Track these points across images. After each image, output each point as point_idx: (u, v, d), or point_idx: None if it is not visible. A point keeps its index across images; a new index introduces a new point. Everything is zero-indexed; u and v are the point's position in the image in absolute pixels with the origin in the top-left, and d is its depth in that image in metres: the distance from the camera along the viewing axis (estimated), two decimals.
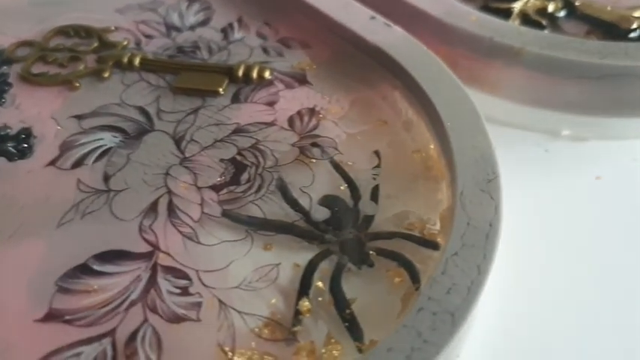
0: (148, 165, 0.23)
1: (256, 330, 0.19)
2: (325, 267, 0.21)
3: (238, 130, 0.25)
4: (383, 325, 0.19)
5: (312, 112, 0.26)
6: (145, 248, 0.21)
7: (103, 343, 0.19)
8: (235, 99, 0.26)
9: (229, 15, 0.31)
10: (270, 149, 0.24)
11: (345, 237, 0.21)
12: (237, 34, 0.29)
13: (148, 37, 0.29)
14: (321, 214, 0.22)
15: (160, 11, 0.31)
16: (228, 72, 0.27)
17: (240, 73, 0.26)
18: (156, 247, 0.21)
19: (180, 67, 0.27)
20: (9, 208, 0.22)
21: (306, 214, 0.22)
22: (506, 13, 0.29)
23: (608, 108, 0.28)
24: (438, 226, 0.22)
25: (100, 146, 0.24)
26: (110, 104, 0.26)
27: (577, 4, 0.31)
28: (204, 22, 0.30)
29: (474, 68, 0.28)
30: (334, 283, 0.20)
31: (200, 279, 0.20)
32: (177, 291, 0.20)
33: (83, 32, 0.29)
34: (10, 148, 0.24)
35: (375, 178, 0.23)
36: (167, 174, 0.23)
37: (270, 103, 0.26)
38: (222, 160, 0.23)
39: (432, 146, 0.24)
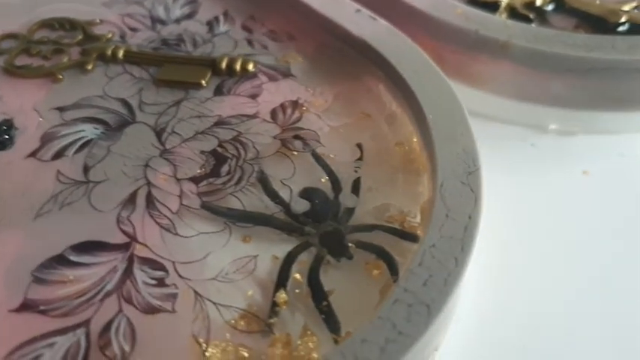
0: (128, 157, 0.23)
1: (232, 322, 0.19)
2: (304, 259, 0.21)
3: (220, 123, 0.24)
4: (361, 317, 0.19)
5: (295, 104, 0.25)
6: (122, 239, 0.21)
7: (77, 334, 0.18)
8: (218, 91, 0.26)
9: (215, 8, 0.31)
10: (251, 141, 0.24)
11: (324, 229, 0.21)
12: (222, 27, 0.29)
13: (133, 29, 0.29)
14: (301, 206, 0.22)
15: (146, 4, 0.31)
16: (212, 64, 0.27)
17: (224, 65, 0.26)
18: (133, 238, 0.21)
19: (163, 60, 0.27)
20: None
21: (285, 207, 0.22)
22: (493, 7, 0.29)
23: (595, 102, 0.28)
24: (418, 219, 0.22)
25: (81, 138, 0.24)
26: (93, 96, 0.26)
27: None
28: (189, 15, 0.30)
29: (460, 62, 0.28)
30: (312, 275, 0.20)
31: (176, 270, 0.20)
32: (153, 282, 0.20)
33: (68, 25, 0.29)
34: None
35: (356, 171, 0.23)
36: (147, 166, 0.23)
37: (253, 96, 0.26)
38: (202, 152, 0.23)
39: (414, 139, 0.24)
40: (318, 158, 0.23)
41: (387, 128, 0.25)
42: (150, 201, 0.22)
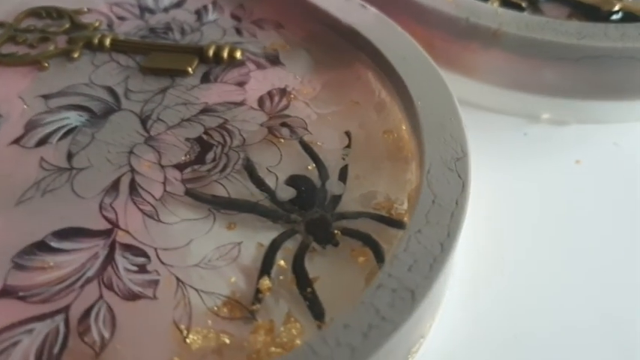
0: (113, 144, 0.23)
1: (214, 308, 0.19)
2: (289, 246, 0.20)
3: (206, 110, 0.24)
4: (345, 304, 0.18)
5: (283, 92, 0.25)
6: (104, 226, 0.20)
7: (56, 320, 0.18)
8: (205, 79, 0.26)
9: None
10: (237, 129, 0.24)
11: (310, 216, 0.21)
12: (211, 16, 0.29)
13: (121, 18, 0.29)
14: (287, 193, 0.22)
15: None
16: (199, 52, 0.26)
17: (211, 53, 0.26)
18: (115, 224, 0.20)
19: (150, 48, 0.27)
20: None
21: (271, 194, 0.22)
22: None
23: (588, 91, 0.27)
24: (405, 206, 0.21)
25: (65, 125, 0.24)
26: (78, 84, 0.26)
27: None
28: (178, 4, 0.30)
29: (450, 50, 0.28)
30: (297, 262, 0.20)
31: (158, 257, 0.20)
32: (135, 268, 0.19)
33: (55, 13, 0.29)
34: None
35: (344, 159, 0.23)
36: (131, 152, 0.23)
37: (241, 84, 0.25)
38: (187, 139, 0.23)
39: (403, 127, 0.24)
40: (305, 146, 0.23)
41: (375, 116, 0.24)
42: (133, 188, 0.21)
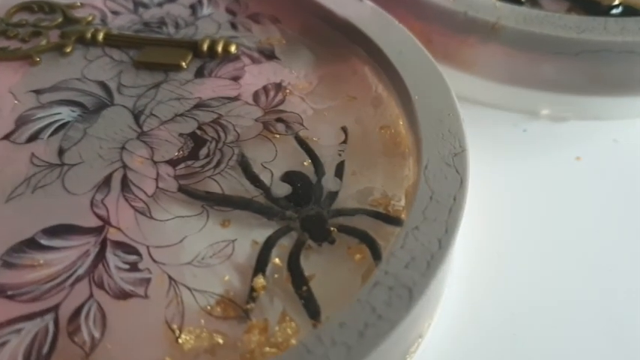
0: (105, 139, 0.22)
1: (207, 307, 0.18)
2: (284, 244, 0.20)
3: (200, 105, 0.24)
4: (342, 302, 0.18)
5: (278, 87, 0.25)
6: (95, 223, 0.20)
7: (45, 319, 0.18)
8: (199, 74, 0.25)
9: None
10: (232, 124, 0.23)
11: (306, 213, 0.21)
12: (205, 10, 0.29)
13: (115, 13, 0.29)
14: (282, 190, 0.21)
15: None
16: (193, 47, 0.26)
17: (205, 47, 0.26)
18: (106, 221, 0.20)
19: (144, 42, 0.26)
20: None
21: (266, 190, 0.21)
22: None
23: (587, 86, 0.27)
24: (402, 202, 0.21)
25: (57, 120, 0.23)
26: (71, 79, 0.25)
27: None
28: None
29: (448, 45, 0.27)
30: (292, 260, 0.19)
31: (150, 255, 0.19)
32: (126, 267, 0.19)
33: (47, 8, 0.28)
34: None
35: (340, 154, 0.22)
36: (123, 148, 0.22)
37: (235, 78, 0.25)
38: (181, 135, 0.23)
39: (400, 122, 0.23)
40: (301, 141, 0.23)
41: (372, 111, 0.24)
42: (125, 184, 0.21)
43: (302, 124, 0.23)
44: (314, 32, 0.27)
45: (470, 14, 0.26)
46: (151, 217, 0.20)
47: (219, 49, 0.26)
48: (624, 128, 0.27)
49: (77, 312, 0.18)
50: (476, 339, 0.20)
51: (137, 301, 0.18)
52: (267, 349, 0.17)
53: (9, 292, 0.18)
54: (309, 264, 0.19)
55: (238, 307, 0.18)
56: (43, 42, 0.27)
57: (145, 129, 0.23)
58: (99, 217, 0.20)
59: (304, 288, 0.19)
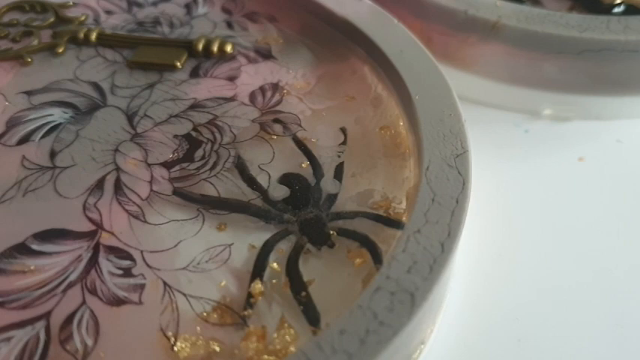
0: (98, 141, 0.22)
1: (204, 314, 0.18)
2: (282, 248, 0.19)
3: (195, 106, 0.23)
4: (342, 308, 0.17)
5: (275, 87, 0.24)
6: (87, 227, 0.19)
7: (36, 327, 0.17)
8: (194, 74, 0.25)
9: None
10: (228, 125, 0.23)
11: (305, 216, 0.20)
12: (200, 10, 0.28)
13: (108, 12, 0.28)
14: (280, 192, 0.21)
15: None
16: (188, 46, 0.25)
17: (200, 47, 0.25)
18: (99, 226, 0.19)
19: (138, 42, 0.26)
20: None
21: (263, 193, 0.21)
22: None
23: (590, 86, 0.27)
24: (403, 205, 0.20)
25: (49, 122, 0.23)
26: (63, 80, 0.25)
27: None
28: None
29: (449, 44, 0.27)
30: (291, 265, 0.19)
31: (144, 260, 0.19)
32: (120, 272, 0.18)
33: (39, 7, 0.28)
34: None
35: (339, 156, 0.22)
36: (116, 150, 0.22)
37: (231, 78, 0.25)
38: (175, 136, 0.22)
39: (401, 123, 0.23)
40: (299, 143, 0.22)
41: (372, 111, 0.24)
42: (118, 187, 0.21)
43: (300, 125, 0.23)
44: (312, 31, 0.27)
45: (470, 13, 0.26)
46: (145, 221, 0.20)
47: (215, 48, 0.25)
48: (628, 128, 0.27)
49: (69, 319, 0.17)
50: (479, 344, 0.20)
51: (131, 308, 0.18)
52: (266, 356, 0.17)
53: None
54: (308, 269, 0.19)
55: (235, 314, 0.18)
56: (35, 42, 0.26)
57: (139, 130, 0.22)
58: (91, 221, 0.20)
59: (303, 293, 0.18)
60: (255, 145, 0.22)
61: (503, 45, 0.26)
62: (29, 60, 0.25)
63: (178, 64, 0.25)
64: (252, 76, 0.25)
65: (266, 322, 0.18)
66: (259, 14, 0.28)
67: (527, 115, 0.28)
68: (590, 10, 0.28)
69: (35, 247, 0.19)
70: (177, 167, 0.21)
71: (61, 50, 0.26)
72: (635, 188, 0.25)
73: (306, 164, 0.22)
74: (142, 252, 0.19)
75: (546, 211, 0.24)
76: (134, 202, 0.20)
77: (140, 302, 0.18)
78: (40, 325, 0.17)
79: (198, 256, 0.19)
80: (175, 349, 0.17)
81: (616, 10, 0.28)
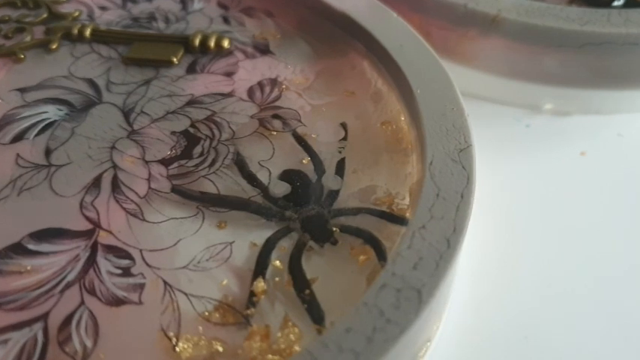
0: (94, 138, 0.22)
1: (205, 314, 0.17)
2: (284, 245, 0.19)
3: (193, 102, 0.23)
4: (347, 306, 0.17)
5: (274, 82, 0.24)
6: (85, 226, 0.19)
7: (34, 329, 0.17)
8: (191, 70, 0.24)
9: None
10: (226, 121, 0.22)
11: (306, 213, 0.20)
12: (196, 5, 0.28)
13: (103, 8, 0.28)
14: (280, 189, 0.20)
15: None
16: (184, 42, 0.25)
17: (197, 42, 0.25)
18: (97, 224, 0.19)
19: (133, 38, 0.25)
20: None
21: (264, 190, 0.20)
22: None
23: (591, 80, 0.26)
24: (407, 201, 0.20)
25: (43, 120, 0.22)
26: (57, 77, 0.24)
27: None
28: None
29: (448, 38, 0.27)
30: (293, 262, 0.18)
31: (144, 259, 0.18)
32: (118, 272, 0.18)
33: (31, 3, 0.27)
34: None
35: (340, 152, 0.22)
36: (113, 148, 0.21)
37: (229, 74, 0.24)
38: (173, 133, 0.22)
39: (402, 118, 0.23)
40: (299, 138, 0.22)
41: (372, 107, 0.23)
42: (116, 185, 0.20)
43: (299, 121, 0.23)
44: (310, 26, 0.26)
45: (470, 7, 0.25)
46: (144, 220, 0.19)
47: (212, 44, 0.25)
48: (629, 122, 0.27)
49: (68, 320, 0.17)
50: (485, 341, 0.20)
51: (131, 308, 0.17)
52: (270, 356, 0.16)
53: None
54: (311, 266, 0.19)
55: (238, 313, 0.17)
56: (28, 38, 0.26)
57: (136, 127, 0.22)
58: (89, 219, 0.19)
59: (307, 291, 0.18)
60: (255, 141, 0.22)
61: (503, 39, 0.26)
62: (22, 57, 0.25)
63: (175, 59, 0.24)
64: (250, 72, 0.24)
65: (269, 321, 0.17)
66: (256, 9, 0.27)
67: (527, 110, 0.27)
68: (590, 3, 0.28)
69: (31, 246, 0.19)
70: (175, 164, 0.21)
71: (54, 47, 0.25)
72: (636, 182, 0.25)
73: (306, 160, 0.21)
74: (141, 251, 0.19)
75: (548, 205, 0.24)
76: (132, 200, 0.20)
77: (140, 302, 0.17)
78: (38, 327, 0.17)
79: (198, 254, 0.19)
80: (177, 349, 0.16)
81: (616, 3, 0.28)
